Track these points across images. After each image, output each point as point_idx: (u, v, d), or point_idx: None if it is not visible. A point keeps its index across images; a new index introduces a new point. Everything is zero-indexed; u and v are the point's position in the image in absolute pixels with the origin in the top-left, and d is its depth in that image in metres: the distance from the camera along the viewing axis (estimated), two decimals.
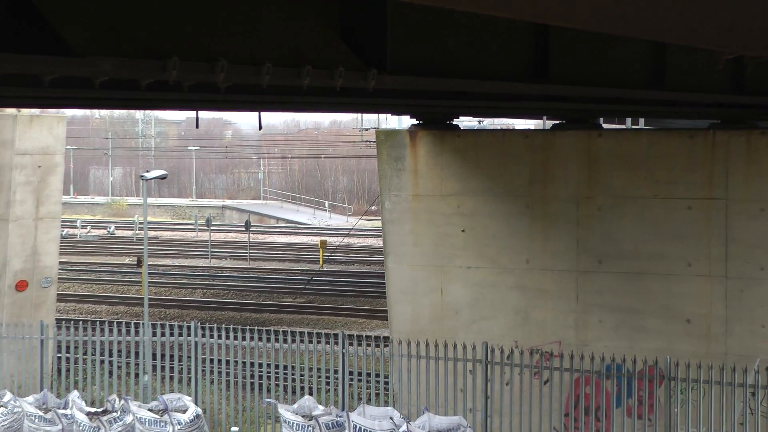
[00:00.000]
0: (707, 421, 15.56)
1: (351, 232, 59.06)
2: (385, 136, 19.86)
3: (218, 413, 19.25)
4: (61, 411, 17.12)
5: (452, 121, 19.84)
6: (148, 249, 36.43)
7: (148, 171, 30.58)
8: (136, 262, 46.16)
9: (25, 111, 22.65)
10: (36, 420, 17.04)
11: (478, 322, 19.06)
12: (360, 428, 15.81)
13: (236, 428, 18.20)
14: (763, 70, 12.57)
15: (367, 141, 59.71)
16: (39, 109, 23.64)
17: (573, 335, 18.51)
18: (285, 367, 19.10)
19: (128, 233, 66.27)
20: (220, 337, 18.88)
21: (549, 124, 26.48)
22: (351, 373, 17.91)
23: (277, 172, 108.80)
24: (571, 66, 10.61)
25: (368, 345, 19.94)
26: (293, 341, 18.55)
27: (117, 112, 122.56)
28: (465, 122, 49.93)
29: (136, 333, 19.54)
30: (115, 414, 16.83)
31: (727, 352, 17.50)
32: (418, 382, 17.66)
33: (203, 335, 18.88)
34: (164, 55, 5.89)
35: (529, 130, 21.59)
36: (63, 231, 56.05)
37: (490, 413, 17.11)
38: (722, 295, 17.62)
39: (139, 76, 6.04)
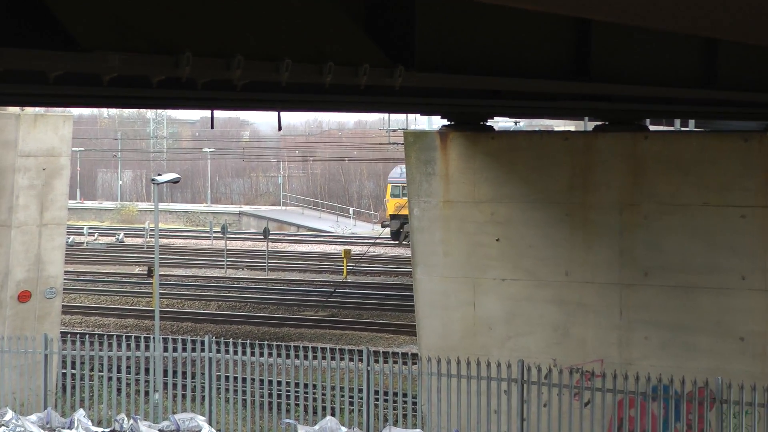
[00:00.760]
0: None
1: (377, 241, 59.09)
2: (414, 138, 19.88)
3: None
4: (65, 431, 17.20)
5: (486, 121, 19.84)
6: (160, 258, 36.60)
7: (159, 174, 30.71)
8: (146, 272, 46.34)
9: (29, 110, 22.79)
10: None
11: (514, 339, 19.02)
12: None
13: None
14: None
15: (394, 143, 59.78)
16: (44, 108, 23.78)
17: (616, 353, 18.44)
18: (306, 386, 19.12)
19: (138, 241, 66.57)
20: (236, 352, 18.93)
21: (591, 125, 26.42)
22: (376, 392, 17.91)
23: (298, 176, 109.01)
24: (614, 63, 10.60)
25: (395, 362, 19.93)
26: (314, 358, 18.56)
27: (127, 112, 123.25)
28: (500, 123, 49.90)
29: (147, 348, 19.61)
30: None
31: None
32: (448, 402, 17.64)
33: (218, 350, 18.93)
34: (177, 50, 5.91)
35: (569, 131, 21.55)
36: (69, 238, 56.36)
37: None
38: None
39: (150, 72, 6.07)
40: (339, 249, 57.93)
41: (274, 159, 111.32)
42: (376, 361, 18.06)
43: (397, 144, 55.07)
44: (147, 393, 19.80)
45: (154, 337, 19.94)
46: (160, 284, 40.41)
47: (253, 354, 18.88)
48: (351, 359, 18.74)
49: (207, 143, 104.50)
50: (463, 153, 19.31)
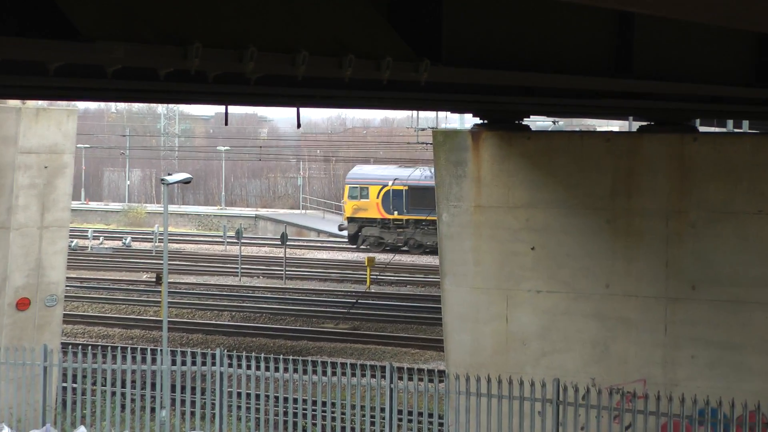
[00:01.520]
0: None
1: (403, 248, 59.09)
2: (444, 138, 19.90)
3: None
4: None
5: (522, 120, 19.83)
6: (169, 264, 36.71)
7: (170, 174, 30.83)
8: (154, 280, 46.52)
9: (31, 103, 22.90)
10: None
11: (549, 356, 19.00)
12: None
13: None
14: None
15: (423, 143, 59.75)
16: (46, 102, 23.90)
17: (660, 373, 18.39)
18: (324, 404, 19.15)
19: (146, 246, 66.83)
20: (249, 367, 18.97)
21: (635, 125, 26.36)
22: (400, 411, 17.92)
23: (319, 177, 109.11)
24: (660, 59, 10.59)
25: (420, 379, 19.93)
26: (334, 374, 18.59)
27: (136, 106, 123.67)
28: (537, 122, 49.82)
29: (153, 361, 19.69)
30: None
31: None
32: (477, 424, 17.63)
33: (230, 365, 18.99)
34: (185, 40, 5.94)
35: (611, 132, 21.51)
36: (72, 242, 56.65)
37: None
38: None
39: (157, 64, 6.11)
40: (362, 257, 57.97)
41: (294, 158, 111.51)
42: (400, 378, 18.07)
43: (426, 144, 55.05)
44: (153, 410, 19.88)
45: (161, 350, 20.01)
46: (169, 292, 40.54)
47: (267, 369, 18.93)
48: (373, 376, 18.76)
49: (222, 141, 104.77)
50: (497, 154, 19.31)
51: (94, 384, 20.11)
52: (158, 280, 42.31)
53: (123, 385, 19.92)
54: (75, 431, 17.81)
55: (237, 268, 53.27)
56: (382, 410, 18.27)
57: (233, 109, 16.06)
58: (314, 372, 18.79)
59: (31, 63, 9.06)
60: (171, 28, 6.05)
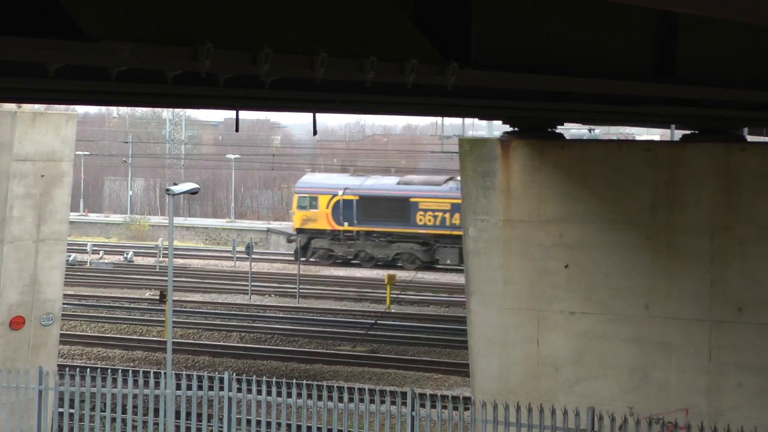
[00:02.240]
0: None
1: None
2: (471, 146, 19.92)
3: None
4: None
5: (555, 128, 19.84)
6: (174, 281, 36.78)
7: (175, 184, 30.90)
8: (158, 297, 46.61)
9: (27, 107, 22.99)
10: None
11: (583, 382, 18.97)
12: None
13: None
14: None
15: (449, 152, 59.78)
16: (43, 105, 23.98)
17: (704, 402, 18.35)
18: None
19: (150, 261, 66.99)
20: (260, 392, 18.99)
21: (678, 134, 26.33)
22: None
23: None
24: (705, 62, 10.60)
25: (444, 407, 19.91)
26: (351, 400, 18.59)
27: (140, 111, 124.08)
28: (571, 130, 49.80)
29: (157, 385, 19.73)
30: None
31: None
32: None
33: (239, 389, 19.01)
34: (195, 41, 5.97)
35: (652, 141, 21.49)
36: (70, 256, 56.81)
37: None
38: None
39: (165, 65, 6.14)
40: (381, 274, 57.96)
41: (309, 168, 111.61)
42: (422, 405, 18.07)
43: (452, 153, 55.08)
44: None
45: (165, 373, 20.05)
46: (174, 311, 40.62)
47: (279, 394, 18.94)
48: (393, 402, 18.76)
49: (231, 149, 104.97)
50: (528, 164, 19.32)
51: (92, 409, 20.17)
52: (162, 298, 42.36)
53: (123, 411, 19.96)
54: None
55: (247, 285, 53.32)
56: None
57: (244, 115, 16.11)
58: (330, 398, 18.80)
59: (30, 64, 9.12)
60: (180, 27, 6.07)
